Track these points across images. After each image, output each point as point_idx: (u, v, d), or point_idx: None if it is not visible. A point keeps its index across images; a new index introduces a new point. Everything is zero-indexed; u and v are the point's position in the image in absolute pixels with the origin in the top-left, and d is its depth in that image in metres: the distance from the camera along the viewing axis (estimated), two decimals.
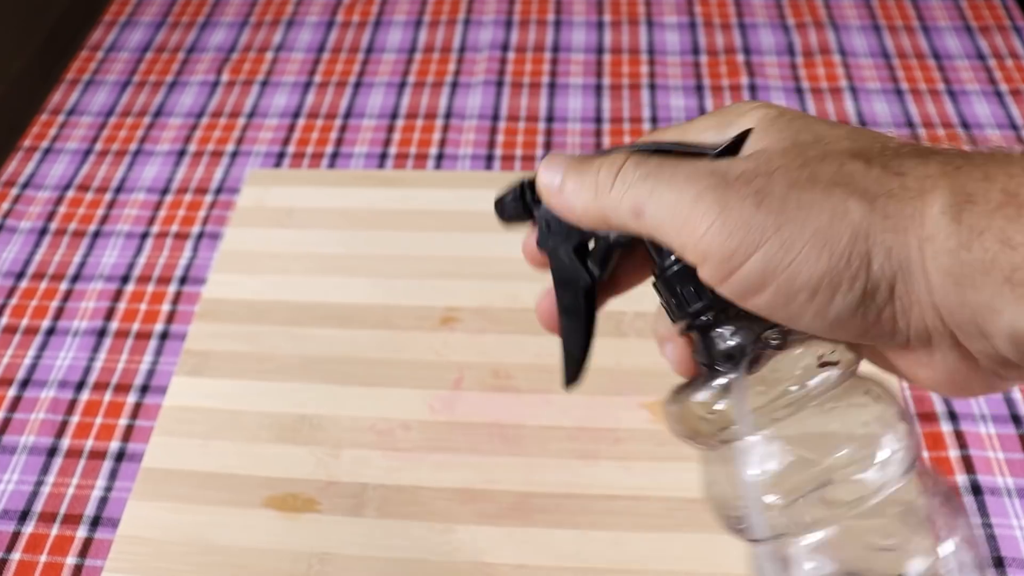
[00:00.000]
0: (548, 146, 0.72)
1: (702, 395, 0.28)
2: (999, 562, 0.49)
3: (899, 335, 0.24)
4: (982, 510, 0.51)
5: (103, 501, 0.54)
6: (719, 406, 0.27)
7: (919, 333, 0.24)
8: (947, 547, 0.26)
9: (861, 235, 0.23)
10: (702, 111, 0.74)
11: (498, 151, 0.72)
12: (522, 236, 0.32)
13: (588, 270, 0.30)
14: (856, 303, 0.23)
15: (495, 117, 0.75)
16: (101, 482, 0.54)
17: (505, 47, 0.81)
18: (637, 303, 0.62)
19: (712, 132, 0.27)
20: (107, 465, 0.55)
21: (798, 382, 0.27)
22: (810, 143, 0.25)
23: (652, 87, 0.77)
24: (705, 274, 0.25)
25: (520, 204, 0.31)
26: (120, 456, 0.56)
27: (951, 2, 0.83)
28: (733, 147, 0.26)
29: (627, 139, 0.72)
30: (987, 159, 0.23)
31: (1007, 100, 0.74)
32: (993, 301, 0.22)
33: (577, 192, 0.27)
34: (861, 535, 0.26)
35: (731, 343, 0.28)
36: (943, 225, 0.22)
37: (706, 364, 0.28)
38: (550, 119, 0.74)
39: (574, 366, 0.31)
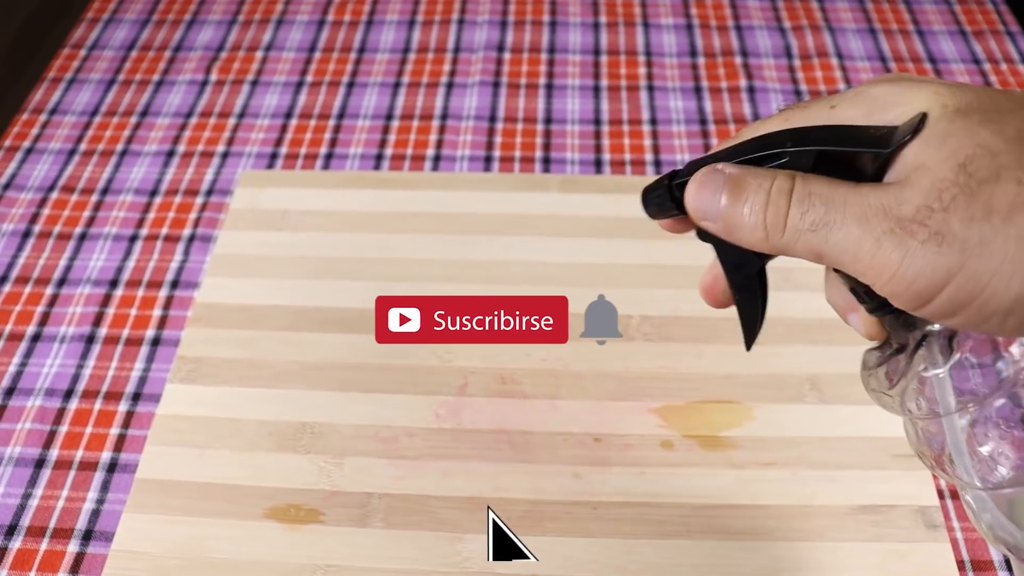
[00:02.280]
0: (547, 148, 0.71)
1: (902, 384, 0.29)
2: (1011, 564, 0.49)
3: None
4: None
5: (95, 514, 0.52)
6: (914, 392, 0.29)
7: None
8: None
9: None
10: (701, 113, 0.74)
11: (496, 152, 0.71)
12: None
13: (758, 255, 0.29)
14: None
15: (492, 118, 0.73)
16: (93, 494, 0.52)
17: (500, 48, 0.80)
18: (642, 307, 0.62)
19: (860, 118, 0.27)
20: (99, 476, 0.53)
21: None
22: (977, 159, 0.24)
23: (650, 88, 0.76)
24: (896, 304, 0.25)
25: (668, 200, 0.30)
26: (112, 467, 0.54)
27: (945, 6, 0.83)
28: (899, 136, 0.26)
29: (627, 141, 0.71)
30: None
31: None
32: None
33: (742, 230, 0.27)
34: None
35: (925, 338, 0.28)
36: None
37: (900, 345, 0.29)
38: (548, 120, 0.73)
39: (752, 334, 0.31)
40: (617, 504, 0.50)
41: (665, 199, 0.30)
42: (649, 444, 0.53)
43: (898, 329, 0.29)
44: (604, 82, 0.77)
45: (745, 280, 0.30)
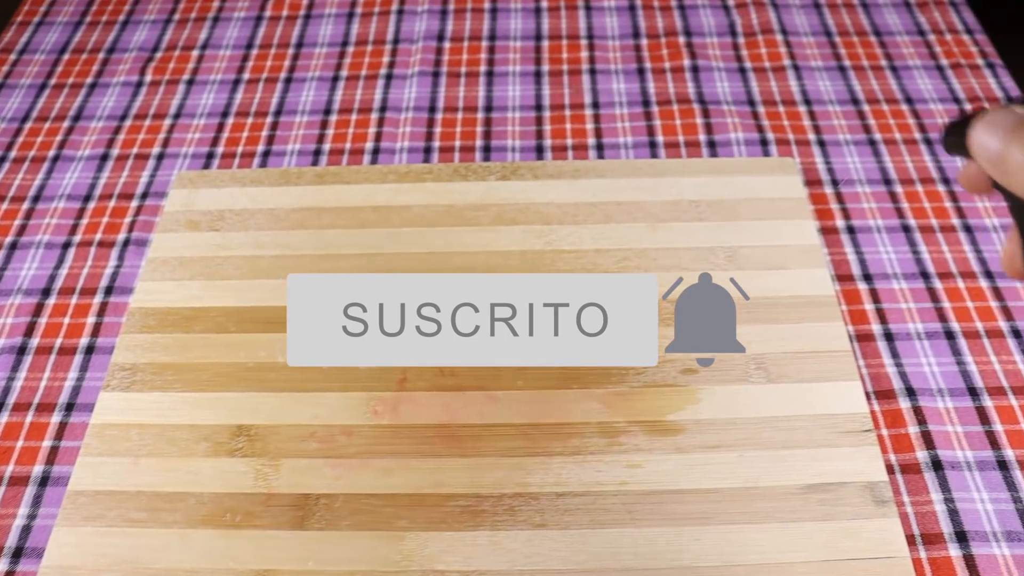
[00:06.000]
0: (488, 136, 0.70)
1: None
2: (962, 536, 0.48)
3: None
4: (943, 485, 0.50)
5: (26, 530, 0.50)
6: None
7: None
8: None
9: None
10: (644, 95, 0.73)
11: (436, 143, 0.70)
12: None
13: None
14: None
15: (432, 109, 0.72)
16: (23, 510, 0.51)
17: (440, 37, 0.79)
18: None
19: None
20: (30, 491, 0.52)
21: None
22: None
23: (592, 72, 0.75)
24: None
25: (963, 136, 0.28)
26: (44, 481, 0.52)
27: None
28: None
29: (569, 126, 0.70)
30: None
31: (948, 74, 0.74)
32: None
33: (1013, 173, 0.26)
34: None
35: None
36: None
37: None
38: (489, 108, 0.72)
39: None
40: (559, 495, 0.49)
41: (961, 135, 0.28)
42: (591, 432, 0.52)
43: None
44: (545, 67, 0.76)
45: None
